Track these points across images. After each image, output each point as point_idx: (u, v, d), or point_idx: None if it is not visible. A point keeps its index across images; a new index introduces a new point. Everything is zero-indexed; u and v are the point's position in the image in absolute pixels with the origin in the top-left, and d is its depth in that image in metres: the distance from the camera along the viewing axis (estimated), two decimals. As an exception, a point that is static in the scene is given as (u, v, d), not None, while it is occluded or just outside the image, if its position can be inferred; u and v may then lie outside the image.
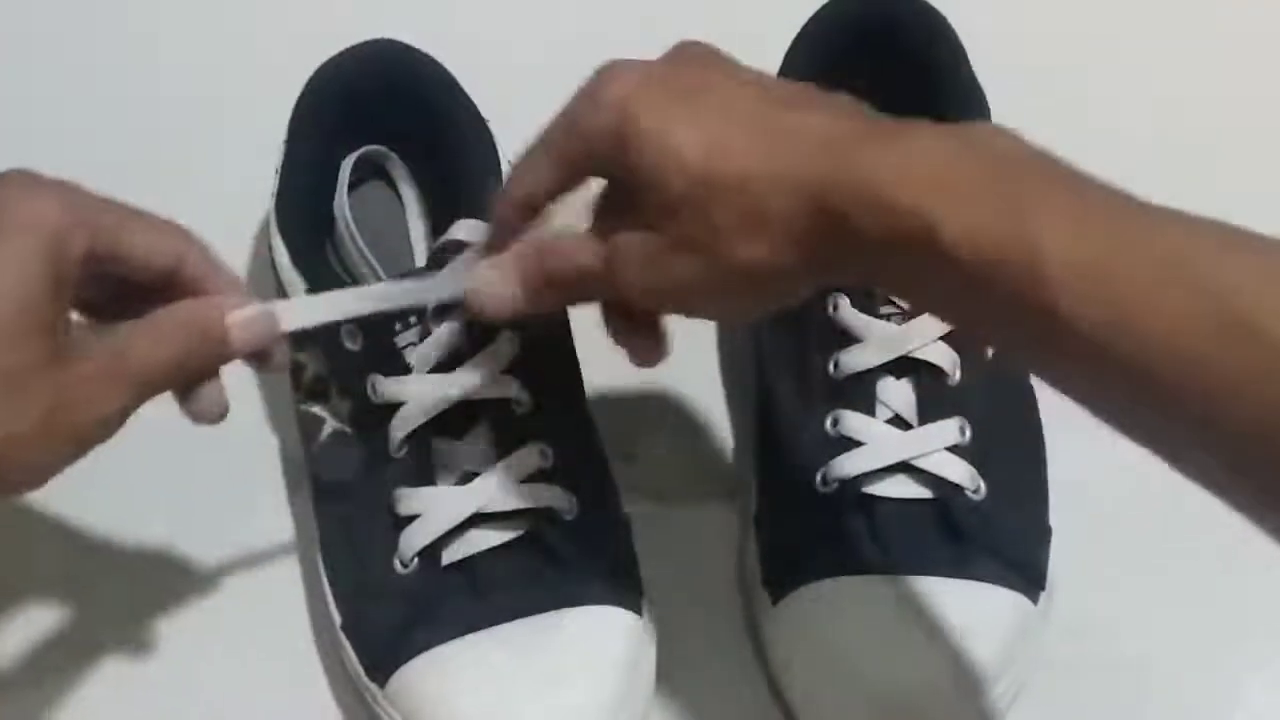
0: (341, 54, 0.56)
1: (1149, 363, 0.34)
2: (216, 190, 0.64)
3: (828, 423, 0.52)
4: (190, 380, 0.45)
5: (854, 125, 0.40)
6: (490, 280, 0.46)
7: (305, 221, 0.56)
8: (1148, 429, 0.37)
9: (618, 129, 0.42)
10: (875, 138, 0.39)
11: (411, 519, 0.50)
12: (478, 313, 0.47)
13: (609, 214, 0.44)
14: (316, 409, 0.53)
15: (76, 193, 0.44)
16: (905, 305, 0.52)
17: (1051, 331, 0.35)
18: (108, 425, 0.43)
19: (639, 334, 0.47)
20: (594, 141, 0.43)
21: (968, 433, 0.51)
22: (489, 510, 0.50)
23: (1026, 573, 0.52)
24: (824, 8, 0.58)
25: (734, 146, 0.40)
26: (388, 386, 0.51)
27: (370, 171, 0.58)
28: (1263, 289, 0.34)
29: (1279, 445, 0.33)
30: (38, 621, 0.55)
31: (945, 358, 0.52)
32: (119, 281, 0.45)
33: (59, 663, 0.54)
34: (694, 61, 0.44)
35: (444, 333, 0.51)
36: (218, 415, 0.46)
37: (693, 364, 0.61)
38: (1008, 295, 0.36)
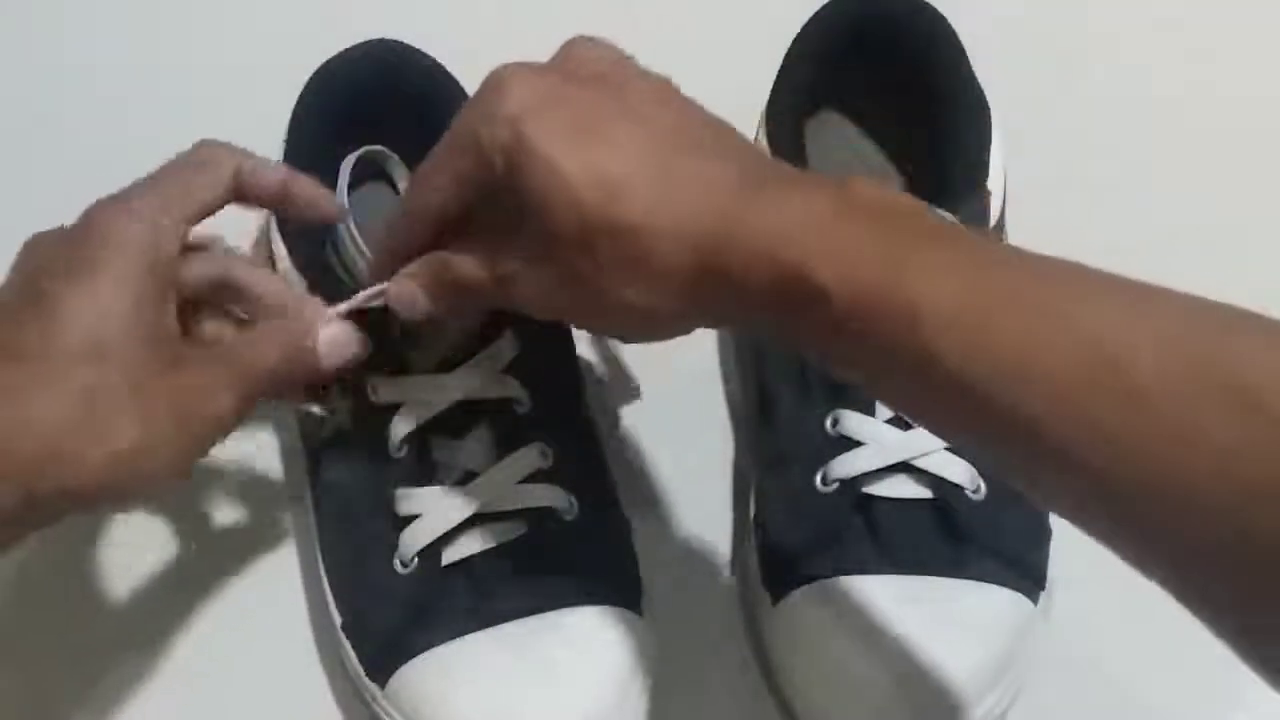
0: (341, 54, 0.56)
1: (1020, 403, 0.35)
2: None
3: (828, 423, 0.52)
4: (294, 385, 0.48)
5: (743, 177, 0.41)
6: (400, 285, 0.47)
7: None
8: (1017, 467, 0.38)
9: (509, 148, 0.42)
10: (757, 193, 0.40)
11: (411, 519, 0.50)
12: (398, 312, 0.47)
13: (498, 229, 0.44)
14: (316, 409, 0.53)
15: (147, 195, 0.46)
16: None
17: (927, 376, 0.36)
18: (223, 424, 0.45)
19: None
20: (486, 157, 0.42)
21: (968, 433, 0.51)
22: (489, 510, 0.50)
23: (1026, 573, 0.52)
24: (824, 8, 0.58)
25: (625, 191, 0.40)
26: (387, 386, 0.51)
27: (370, 171, 0.58)
28: (1127, 329, 0.35)
29: (1135, 478, 0.34)
30: (35, 622, 0.55)
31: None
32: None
33: (57, 663, 0.54)
34: (595, 81, 0.43)
35: (444, 331, 0.51)
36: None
37: (693, 364, 0.61)
38: (885, 342, 0.37)
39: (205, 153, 0.48)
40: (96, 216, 0.45)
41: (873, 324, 0.37)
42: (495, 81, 0.43)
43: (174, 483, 0.44)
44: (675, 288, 0.41)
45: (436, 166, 0.45)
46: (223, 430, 0.45)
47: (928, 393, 0.38)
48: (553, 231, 0.41)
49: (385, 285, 0.47)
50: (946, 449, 0.51)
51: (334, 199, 0.49)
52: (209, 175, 0.47)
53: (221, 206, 0.47)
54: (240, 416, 0.45)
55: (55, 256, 0.44)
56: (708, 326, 0.45)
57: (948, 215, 0.51)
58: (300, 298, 0.50)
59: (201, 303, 0.48)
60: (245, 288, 0.49)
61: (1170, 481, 0.34)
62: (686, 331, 0.44)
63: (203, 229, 0.48)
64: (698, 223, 0.40)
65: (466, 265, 0.45)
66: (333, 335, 0.48)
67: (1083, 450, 0.35)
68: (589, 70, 0.44)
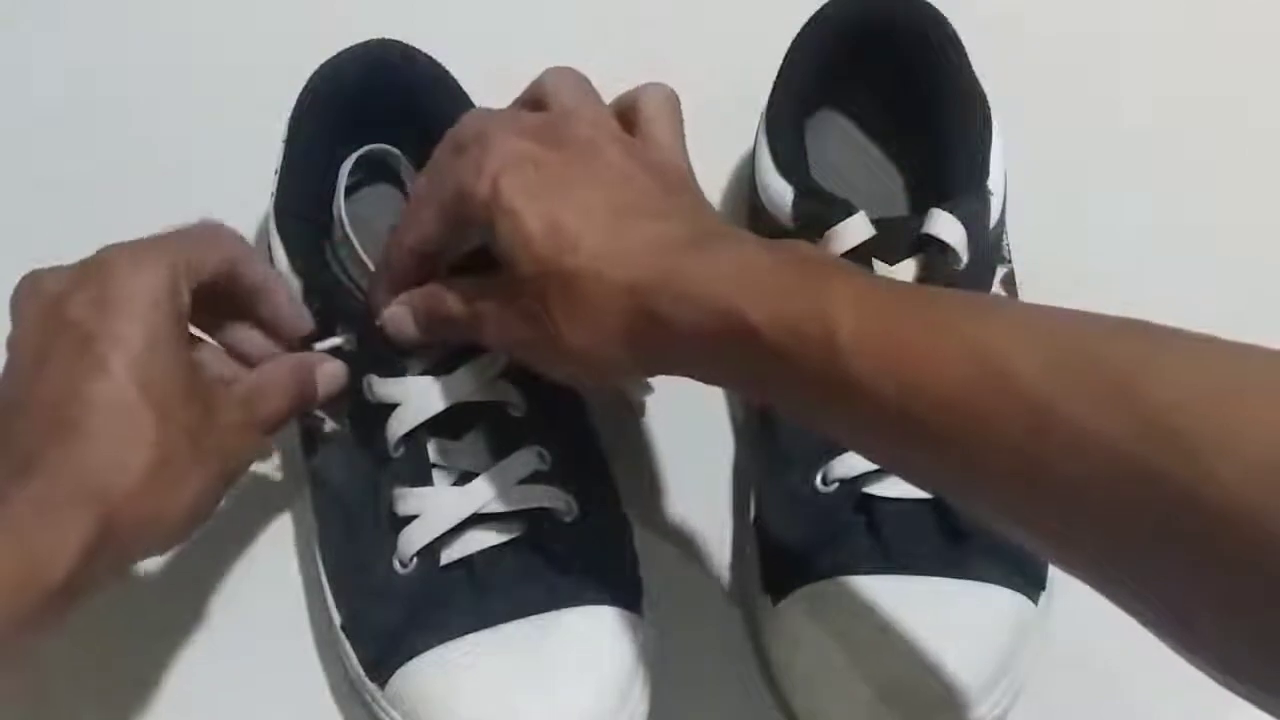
0: (341, 54, 0.56)
1: (925, 414, 0.38)
2: (216, 190, 0.64)
3: (828, 423, 0.52)
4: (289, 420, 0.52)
5: (683, 235, 0.45)
6: (394, 314, 0.50)
7: (304, 222, 0.56)
8: (941, 482, 0.41)
9: (488, 202, 0.46)
10: (696, 247, 0.44)
11: (410, 519, 0.50)
12: (390, 335, 0.51)
13: (479, 271, 0.49)
14: (316, 409, 0.53)
15: (160, 245, 0.48)
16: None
17: (847, 397, 0.40)
18: (247, 467, 0.49)
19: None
20: (471, 207, 0.46)
21: (968, 433, 0.51)
22: (488, 511, 0.50)
23: (1026, 573, 0.52)
24: (824, 8, 0.58)
25: (575, 241, 0.44)
26: (382, 387, 0.51)
27: (370, 171, 0.58)
28: (1015, 339, 0.37)
29: (1029, 477, 0.36)
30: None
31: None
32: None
33: (56, 664, 0.54)
34: (572, 146, 0.47)
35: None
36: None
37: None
38: (809, 370, 0.40)
39: (209, 227, 0.51)
40: (117, 262, 0.47)
41: (797, 353, 0.40)
42: (482, 136, 0.47)
43: (195, 529, 0.47)
44: (614, 331, 0.44)
45: (423, 203, 0.49)
46: (244, 472, 0.49)
47: (849, 415, 0.41)
48: (516, 276, 0.45)
49: (346, 338, 0.52)
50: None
51: (303, 318, 0.53)
52: (214, 241, 0.50)
53: (218, 276, 0.49)
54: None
55: (81, 301, 0.46)
56: (648, 370, 0.48)
57: (946, 216, 0.51)
58: (297, 312, 0.53)
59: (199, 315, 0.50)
60: (251, 286, 0.51)
61: (1062, 478, 0.36)
62: (621, 376, 0.49)
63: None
64: (636, 271, 0.44)
65: (450, 301, 0.49)
66: (330, 372, 0.52)
67: (984, 454, 0.37)
68: (569, 134, 0.47)
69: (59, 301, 0.46)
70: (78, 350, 0.45)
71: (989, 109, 0.56)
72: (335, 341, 0.51)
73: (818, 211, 0.53)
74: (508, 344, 0.49)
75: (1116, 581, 0.37)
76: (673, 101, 0.50)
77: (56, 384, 0.44)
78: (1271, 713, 0.35)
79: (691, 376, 0.45)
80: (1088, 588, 0.38)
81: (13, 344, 0.47)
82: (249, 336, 0.52)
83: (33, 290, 0.47)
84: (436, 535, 0.50)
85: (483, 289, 0.48)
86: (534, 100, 0.50)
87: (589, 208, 0.45)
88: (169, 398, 0.45)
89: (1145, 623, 0.37)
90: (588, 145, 0.47)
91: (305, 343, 0.52)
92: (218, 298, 0.50)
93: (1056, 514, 0.37)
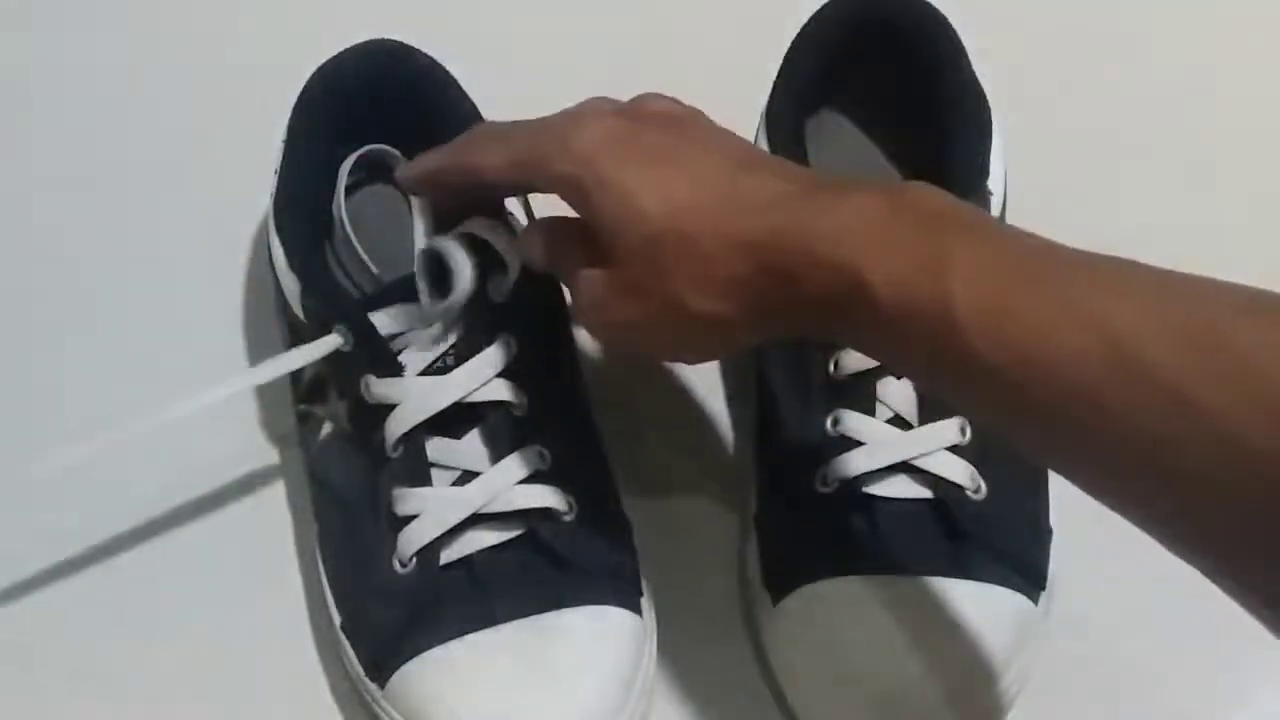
0: (341, 54, 0.56)
1: (1045, 395, 0.37)
2: (216, 190, 0.64)
3: (828, 423, 0.52)
4: None
5: (798, 188, 0.44)
6: (528, 237, 0.51)
7: (304, 222, 0.55)
8: (1056, 459, 0.41)
9: (580, 180, 0.45)
10: (814, 200, 0.43)
11: (409, 519, 0.50)
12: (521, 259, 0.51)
13: (576, 236, 0.48)
14: (315, 409, 0.53)
15: None
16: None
17: (965, 371, 0.39)
18: None
19: None
20: (555, 184, 0.46)
21: (968, 432, 0.51)
22: (487, 511, 0.50)
23: (1026, 573, 0.52)
24: (824, 8, 0.58)
25: (689, 206, 0.44)
26: (380, 387, 0.51)
27: (370, 171, 0.58)
28: (1138, 316, 0.36)
29: (1158, 465, 0.36)
30: (36, 622, 0.55)
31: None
32: None
33: (55, 663, 0.54)
34: (658, 120, 0.47)
35: (438, 334, 0.51)
36: None
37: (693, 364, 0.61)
38: (925, 339, 0.39)
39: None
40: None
41: (914, 320, 0.39)
42: (573, 117, 0.47)
43: None
44: (736, 292, 0.43)
45: (506, 155, 0.48)
46: None
47: (965, 384, 0.40)
48: (624, 249, 0.45)
49: (336, 338, 0.51)
50: (947, 449, 0.51)
51: None
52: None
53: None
54: None
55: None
56: (762, 334, 0.46)
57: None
58: None
59: None
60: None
61: (1178, 458, 0.35)
62: (744, 345, 0.47)
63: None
64: (757, 229, 0.42)
65: (565, 249, 0.48)
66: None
67: (1106, 439, 0.36)
68: (658, 114, 0.47)
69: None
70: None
71: (989, 109, 0.56)
72: (334, 342, 0.51)
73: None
74: (610, 319, 0.47)
75: (1238, 574, 0.37)
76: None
77: None
78: None
79: (809, 336, 0.45)
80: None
81: None
82: None
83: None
84: (436, 535, 0.50)
85: (578, 253, 0.47)
86: None
87: (698, 169, 0.44)
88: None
89: (1262, 619, 0.37)
90: (674, 119, 0.47)
91: (296, 344, 0.52)
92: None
93: (1180, 502, 0.36)
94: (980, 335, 0.38)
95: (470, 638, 0.50)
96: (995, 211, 0.55)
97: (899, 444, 0.51)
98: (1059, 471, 0.41)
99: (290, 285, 0.53)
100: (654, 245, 0.44)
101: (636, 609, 0.52)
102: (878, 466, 0.51)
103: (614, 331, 0.48)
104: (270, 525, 0.57)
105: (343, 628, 0.52)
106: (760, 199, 0.43)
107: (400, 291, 0.51)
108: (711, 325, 0.44)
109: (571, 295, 0.48)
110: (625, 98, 0.49)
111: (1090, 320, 0.37)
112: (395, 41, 0.57)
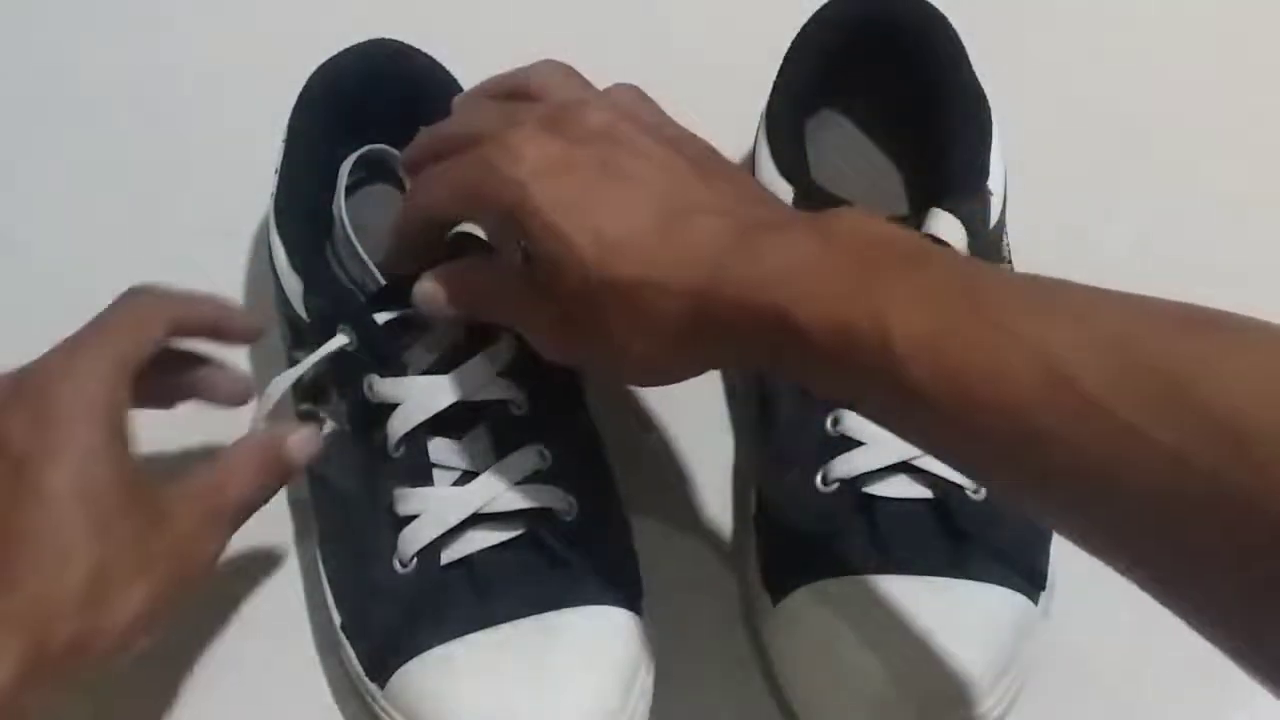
0: (341, 54, 0.56)
1: (984, 421, 0.37)
2: (216, 190, 0.64)
3: (828, 422, 0.52)
4: (268, 496, 0.50)
5: (731, 231, 0.43)
6: (425, 289, 0.49)
7: (304, 222, 0.56)
8: (998, 485, 0.41)
9: (515, 209, 0.45)
10: (747, 243, 0.42)
11: (410, 519, 0.50)
12: (421, 309, 0.50)
13: (515, 271, 0.47)
14: (315, 409, 0.53)
15: (91, 352, 0.47)
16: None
17: (907, 403, 0.39)
18: (213, 564, 0.47)
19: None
20: (492, 209, 0.46)
21: (968, 433, 0.51)
22: (488, 511, 0.50)
23: (1026, 573, 0.52)
24: (824, 8, 0.58)
25: (624, 249, 0.43)
26: (383, 387, 0.51)
27: (370, 171, 0.58)
28: (1076, 343, 0.36)
29: (1095, 486, 0.35)
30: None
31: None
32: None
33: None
34: (599, 141, 0.45)
35: (440, 334, 0.51)
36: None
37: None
38: (863, 370, 0.39)
39: (136, 307, 0.49)
40: (47, 380, 0.46)
41: (850, 355, 0.39)
42: (503, 142, 0.46)
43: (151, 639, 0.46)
44: (673, 337, 0.43)
45: (438, 178, 0.48)
46: (209, 572, 0.47)
47: (905, 416, 0.40)
48: (561, 288, 0.45)
49: (343, 338, 0.51)
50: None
51: (251, 320, 0.53)
52: (144, 331, 0.48)
53: (159, 346, 0.49)
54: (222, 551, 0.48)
55: (14, 425, 0.44)
56: (706, 370, 0.47)
57: (946, 216, 0.51)
58: (246, 323, 0.53)
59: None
60: (200, 329, 0.51)
61: (1123, 486, 0.35)
62: (690, 375, 0.47)
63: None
64: (691, 276, 0.43)
65: (486, 283, 0.49)
66: (300, 442, 0.50)
67: (1045, 463, 0.36)
68: (593, 130, 0.46)
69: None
70: (12, 475, 0.44)
71: (989, 109, 0.56)
72: (340, 341, 0.51)
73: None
74: (557, 353, 0.48)
75: (1185, 597, 0.36)
76: (640, 91, 0.49)
77: None
78: None
79: (748, 369, 0.45)
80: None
81: None
82: (209, 374, 0.53)
83: None
84: (437, 535, 0.50)
85: (522, 285, 0.47)
86: (520, 92, 0.50)
87: (633, 209, 0.44)
88: (108, 511, 0.44)
89: (1215, 640, 0.36)
90: (610, 135, 0.46)
91: (296, 348, 0.52)
92: (169, 356, 0.50)
93: (1123, 526, 0.36)
94: (918, 365, 0.38)
95: (470, 637, 0.50)
96: (995, 211, 0.54)
97: (899, 444, 0.51)
98: (1003, 496, 0.42)
99: (292, 284, 0.53)
100: (593, 292, 0.44)
101: (636, 609, 0.52)
102: (878, 466, 0.51)
103: (561, 360, 0.48)
104: (270, 525, 0.57)
105: (343, 628, 0.52)
106: (693, 244, 0.43)
107: (402, 291, 0.51)
108: (650, 364, 0.45)
109: (521, 321, 0.48)
110: (620, 83, 0.49)
111: (1023, 344, 0.37)
112: (395, 41, 0.57)
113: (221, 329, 0.52)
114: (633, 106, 0.48)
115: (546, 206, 0.44)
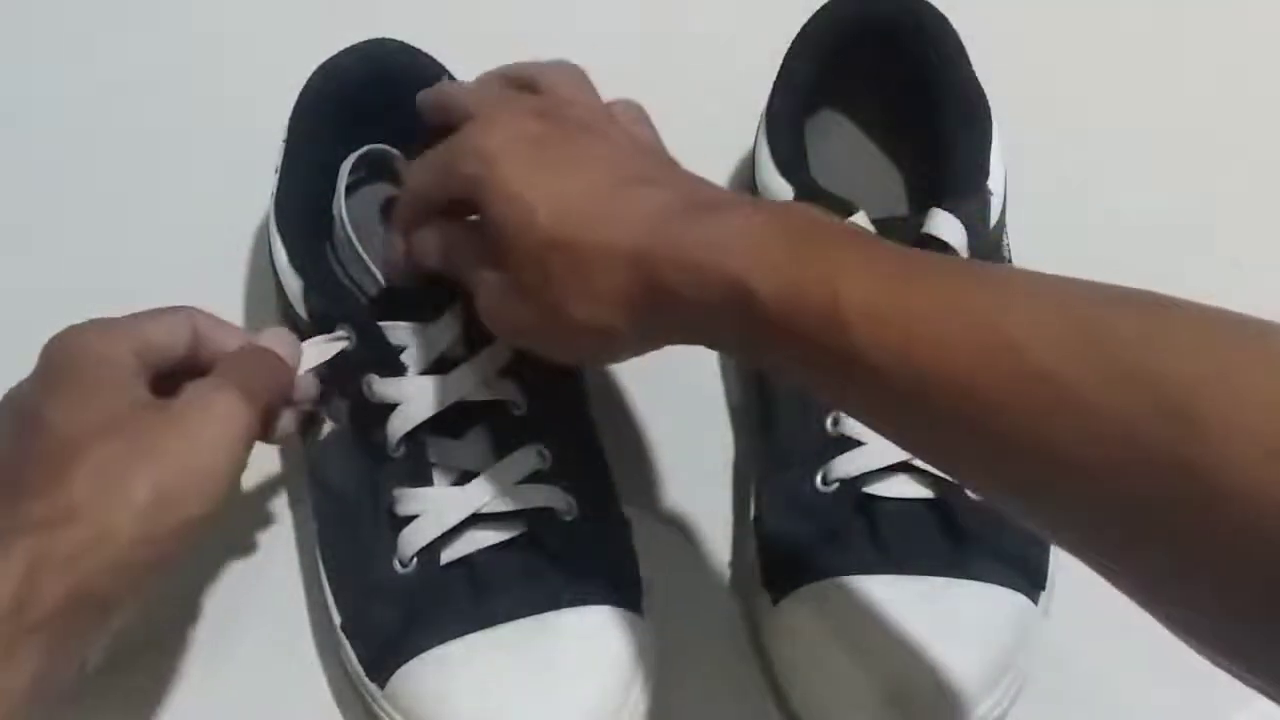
0: (341, 54, 0.56)
1: (930, 388, 0.37)
2: (217, 190, 0.64)
3: (828, 422, 0.52)
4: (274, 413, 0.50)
5: (680, 202, 0.44)
6: (393, 247, 0.52)
7: (305, 222, 0.56)
8: (942, 457, 0.40)
9: (479, 180, 0.46)
10: (700, 212, 0.43)
11: (410, 519, 0.50)
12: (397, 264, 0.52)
13: (476, 236, 0.48)
14: (315, 409, 0.53)
15: (111, 329, 0.48)
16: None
17: (851, 370, 0.39)
18: (249, 436, 0.47)
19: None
20: (461, 184, 0.47)
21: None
22: (487, 511, 0.50)
23: (1026, 573, 0.52)
24: (824, 8, 0.58)
25: (575, 211, 0.44)
26: (383, 387, 0.51)
27: (370, 171, 0.58)
28: (1027, 316, 0.36)
29: (1039, 455, 0.35)
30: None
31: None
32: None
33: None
34: (571, 124, 0.47)
35: (439, 334, 0.51)
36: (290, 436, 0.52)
37: (693, 363, 0.61)
38: (811, 340, 0.39)
39: (169, 311, 0.50)
40: (64, 339, 0.47)
41: (800, 322, 0.39)
42: (486, 117, 0.48)
43: (215, 514, 0.46)
44: (620, 303, 0.44)
45: (429, 171, 0.50)
46: (249, 443, 0.47)
47: (853, 388, 0.40)
48: (515, 253, 0.45)
49: (343, 334, 0.51)
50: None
51: (296, 345, 0.52)
52: (168, 325, 0.49)
53: (176, 358, 0.49)
54: (254, 432, 0.47)
55: (31, 388, 0.46)
56: (650, 343, 0.47)
57: (946, 216, 0.51)
58: (269, 340, 0.51)
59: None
60: (214, 342, 0.51)
61: (1074, 459, 0.35)
62: (634, 354, 0.47)
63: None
64: (637, 239, 0.43)
65: (460, 250, 0.49)
66: (319, 345, 0.51)
67: (991, 430, 0.36)
68: (570, 116, 0.48)
69: (19, 393, 0.47)
70: (23, 422, 0.45)
71: (989, 109, 0.56)
72: (338, 341, 0.51)
73: (818, 211, 0.53)
74: (502, 320, 0.48)
75: (1128, 571, 0.36)
76: (644, 112, 0.51)
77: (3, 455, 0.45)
78: None
79: (694, 344, 0.45)
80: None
81: None
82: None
83: (4, 400, 0.48)
84: (437, 535, 0.50)
85: (481, 247, 0.47)
86: (528, 84, 0.51)
87: (591, 180, 0.45)
88: (110, 417, 0.45)
89: (1158, 615, 0.36)
90: (586, 126, 0.47)
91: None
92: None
93: (1066, 496, 0.36)
94: (865, 332, 0.38)
95: (470, 638, 0.50)
96: (995, 212, 0.55)
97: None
98: (954, 474, 0.42)
99: (292, 284, 0.53)
100: (542, 253, 0.44)
101: (636, 609, 0.52)
102: (878, 466, 0.51)
103: (508, 334, 0.49)
104: (270, 525, 0.57)
105: (343, 628, 0.52)
106: (643, 210, 0.44)
107: (402, 291, 0.51)
108: (596, 334, 0.45)
109: (472, 295, 0.49)
110: (625, 98, 0.49)
111: (974, 314, 0.37)
112: (395, 41, 0.57)
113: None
114: (628, 122, 0.49)
115: (512, 174, 0.45)
